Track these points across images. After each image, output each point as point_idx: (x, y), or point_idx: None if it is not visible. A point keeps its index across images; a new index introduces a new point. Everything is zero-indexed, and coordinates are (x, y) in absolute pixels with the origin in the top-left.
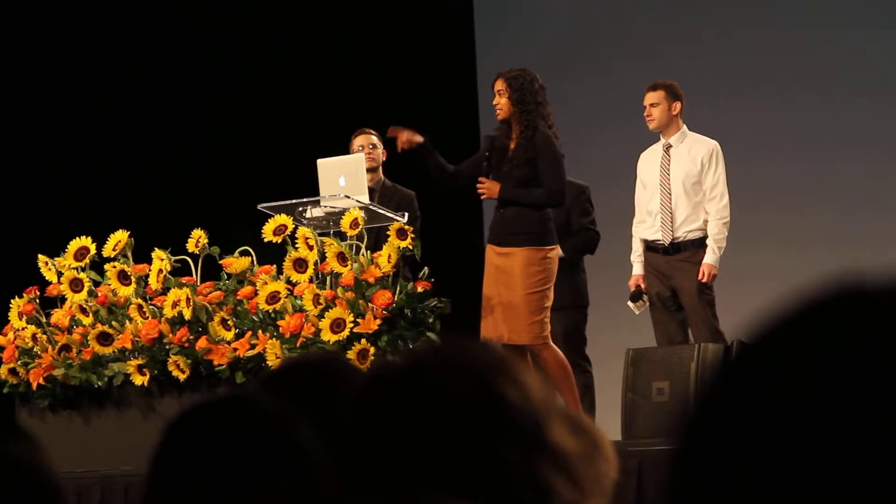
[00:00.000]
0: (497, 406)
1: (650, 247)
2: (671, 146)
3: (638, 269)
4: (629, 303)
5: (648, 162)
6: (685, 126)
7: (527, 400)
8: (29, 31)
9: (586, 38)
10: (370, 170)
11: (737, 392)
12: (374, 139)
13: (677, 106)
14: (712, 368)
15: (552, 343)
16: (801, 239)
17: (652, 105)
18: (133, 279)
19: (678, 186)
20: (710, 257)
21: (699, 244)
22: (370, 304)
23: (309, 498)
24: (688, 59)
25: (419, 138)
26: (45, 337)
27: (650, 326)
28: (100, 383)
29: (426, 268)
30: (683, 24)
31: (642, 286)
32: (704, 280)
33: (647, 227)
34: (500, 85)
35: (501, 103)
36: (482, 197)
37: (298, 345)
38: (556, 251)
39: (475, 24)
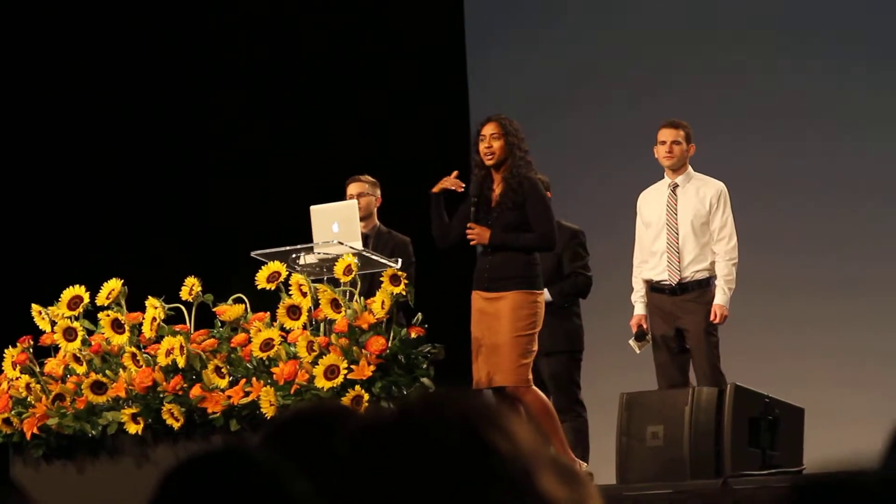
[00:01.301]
0: (487, 456)
1: (655, 287)
2: (678, 185)
3: (640, 308)
4: (632, 342)
5: (652, 201)
6: (691, 167)
7: (517, 449)
8: (8, 73)
9: (578, 79)
10: (364, 216)
11: None
12: (367, 186)
13: (692, 148)
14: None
15: (534, 387)
16: (801, 284)
17: (674, 143)
18: (127, 327)
19: (686, 226)
20: (720, 298)
21: (706, 284)
22: (364, 351)
23: None
24: (679, 99)
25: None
26: (38, 386)
27: (645, 370)
28: (94, 432)
29: (419, 314)
30: (677, 64)
31: (644, 326)
32: (717, 321)
33: (650, 267)
34: (493, 129)
35: (495, 147)
36: (472, 243)
37: (292, 392)
38: (544, 296)
39: (468, 73)
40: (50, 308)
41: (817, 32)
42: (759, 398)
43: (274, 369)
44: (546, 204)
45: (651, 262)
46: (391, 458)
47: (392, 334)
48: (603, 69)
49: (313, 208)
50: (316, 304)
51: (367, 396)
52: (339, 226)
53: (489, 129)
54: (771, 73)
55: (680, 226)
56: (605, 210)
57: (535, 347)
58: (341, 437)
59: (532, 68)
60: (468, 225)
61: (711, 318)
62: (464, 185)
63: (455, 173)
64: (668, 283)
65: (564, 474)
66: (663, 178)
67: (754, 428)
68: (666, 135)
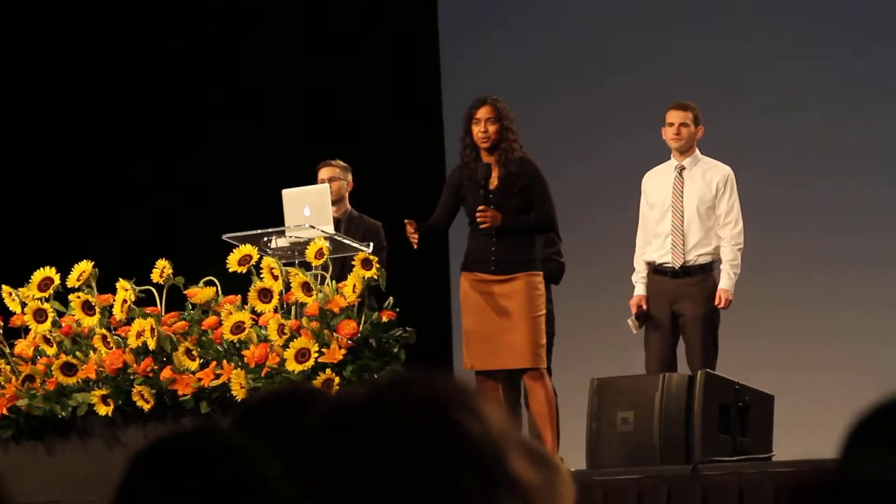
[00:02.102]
0: (457, 438)
1: (657, 269)
2: (684, 168)
3: (640, 289)
4: (630, 321)
5: (657, 183)
6: (698, 150)
7: (487, 431)
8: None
9: (555, 67)
10: (336, 201)
11: None
12: (338, 171)
13: (700, 130)
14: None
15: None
16: (801, 265)
17: (682, 125)
18: (97, 309)
19: (692, 210)
20: (725, 282)
21: (708, 269)
22: (335, 334)
23: None
24: (664, 79)
25: (414, 231)
26: (8, 367)
27: (617, 356)
28: (63, 414)
29: (391, 298)
30: (659, 44)
31: (643, 307)
32: (721, 305)
33: (654, 248)
34: (489, 112)
35: (491, 131)
36: (483, 226)
37: (263, 374)
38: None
39: (440, 54)
40: (20, 289)
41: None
42: (729, 385)
43: (245, 352)
44: (547, 186)
45: (655, 244)
46: (360, 440)
47: (363, 318)
48: (582, 55)
49: (285, 192)
50: (287, 287)
51: (337, 380)
52: (310, 210)
53: (484, 113)
54: (764, 56)
55: (685, 209)
56: (577, 198)
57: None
58: (311, 418)
59: (505, 48)
60: (480, 208)
61: (716, 302)
62: (415, 232)
63: (409, 228)
64: (670, 265)
65: (535, 458)
66: (670, 159)
67: (724, 414)
68: (674, 116)
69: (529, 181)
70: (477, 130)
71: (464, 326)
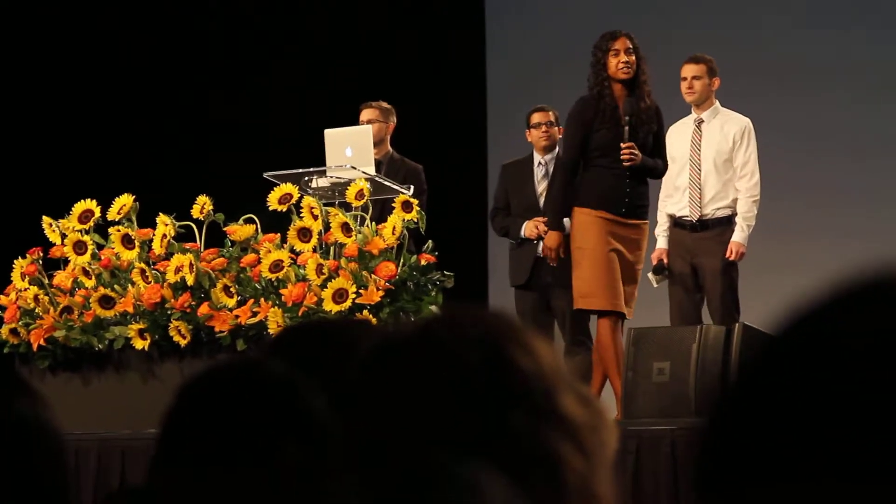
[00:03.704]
0: (508, 373)
1: (677, 223)
2: (703, 121)
3: (662, 242)
4: (650, 275)
5: (678, 136)
6: (718, 102)
7: (538, 368)
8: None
9: (600, 13)
10: (376, 142)
11: (779, 373)
12: (379, 113)
13: (716, 82)
14: (753, 348)
15: None
16: (831, 233)
17: (695, 78)
18: (137, 243)
19: (709, 163)
20: (738, 235)
21: (727, 222)
22: (373, 276)
23: (318, 463)
24: (706, 47)
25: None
26: (46, 298)
27: (654, 305)
28: (100, 346)
29: (430, 241)
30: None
31: (664, 260)
32: (732, 258)
33: (674, 202)
34: (626, 43)
35: (632, 61)
36: (626, 164)
37: (300, 314)
38: None
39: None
40: (61, 221)
41: None
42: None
43: (282, 291)
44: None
45: (675, 197)
46: (411, 372)
47: (402, 260)
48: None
49: (327, 132)
50: (327, 227)
51: (374, 321)
52: (352, 150)
53: (623, 44)
54: (805, 31)
55: (703, 161)
56: None
57: None
58: (361, 351)
59: (552, 7)
60: (627, 145)
61: (727, 254)
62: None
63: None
64: (689, 218)
65: (582, 399)
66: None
67: None
68: (687, 70)
69: (658, 124)
70: (616, 62)
71: (576, 263)
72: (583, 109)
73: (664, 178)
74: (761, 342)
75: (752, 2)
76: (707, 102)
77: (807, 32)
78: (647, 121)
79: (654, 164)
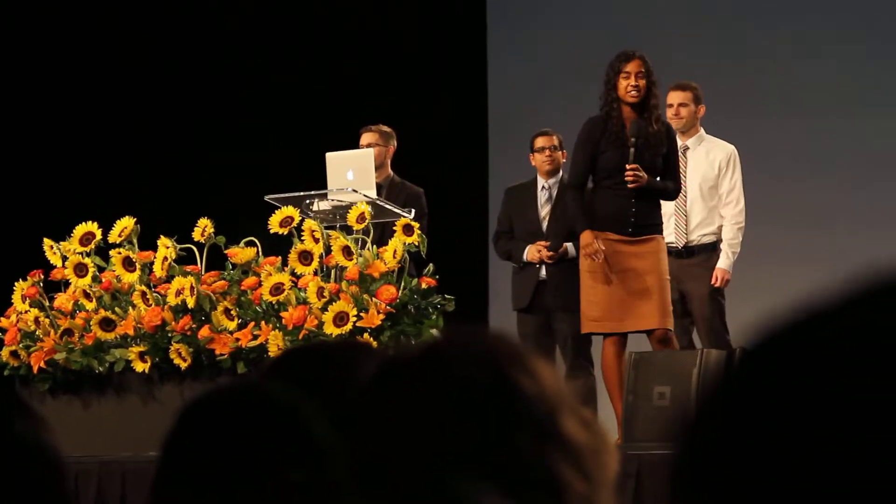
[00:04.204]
0: (512, 395)
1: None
2: (688, 148)
3: None
4: None
5: None
6: (703, 129)
7: (541, 390)
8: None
9: (600, 38)
10: (377, 166)
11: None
12: (379, 137)
13: (701, 109)
14: (716, 371)
15: None
16: (818, 256)
17: (681, 105)
18: (138, 266)
19: (695, 189)
20: (724, 262)
21: (712, 248)
22: (374, 299)
23: (320, 486)
24: (699, 66)
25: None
26: (47, 321)
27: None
28: (101, 369)
29: (431, 265)
30: (696, 32)
31: None
32: (718, 285)
33: None
34: (638, 66)
35: (641, 85)
36: (631, 185)
37: (301, 337)
38: None
39: (487, 19)
40: (62, 243)
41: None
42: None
43: (283, 314)
44: (679, 157)
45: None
46: (416, 394)
47: (403, 284)
48: (617, 37)
49: (329, 155)
50: (328, 250)
51: (375, 345)
52: (353, 174)
53: (634, 67)
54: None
55: (689, 188)
56: None
57: None
58: (365, 371)
59: (551, 17)
60: (630, 166)
61: (713, 281)
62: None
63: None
64: (674, 245)
65: (583, 420)
66: None
67: None
68: (673, 97)
69: (669, 146)
70: (626, 84)
71: (585, 286)
72: (591, 129)
73: None
74: (723, 365)
75: (737, 29)
76: (692, 129)
77: (793, 59)
78: (656, 143)
79: (664, 186)
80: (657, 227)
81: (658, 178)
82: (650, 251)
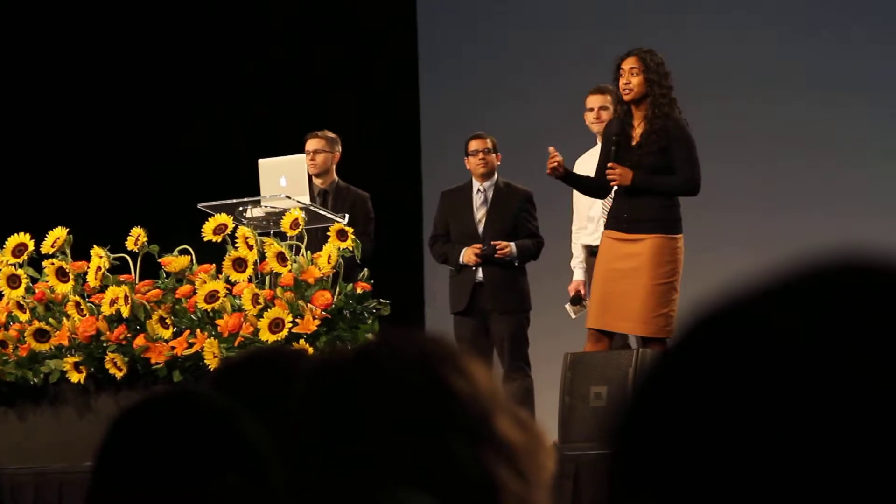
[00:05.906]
0: (445, 396)
1: (593, 252)
2: None
3: (579, 274)
4: (567, 306)
5: (584, 168)
6: None
7: (474, 391)
8: None
9: (531, 41)
10: (321, 172)
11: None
12: (324, 143)
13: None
14: (650, 365)
15: None
16: (762, 241)
17: (602, 108)
18: (71, 276)
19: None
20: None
21: None
22: (309, 305)
23: (256, 492)
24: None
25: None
26: None
27: (583, 331)
28: (36, 380)
29: (365, 269)
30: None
31: (582, 291)
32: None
33: (588, 233)
34: (633, 63)
35: (633, 83)
36: (612, 184)
37: (236, 344)
38: (683, 240)
39: (418, 23)
40: None
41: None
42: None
43: (218, 321)
44: (693, 147)
45: (589, 228)
46: (349, 397)
47: (338, 289)
48: (554, 33)
49: (261, 162)
50: (262, 257)
51: (311, 350)
52: (286, 180)
53: (628, 64)
54: (728, 36)
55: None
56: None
57: (677, 296)
58: (298, 376)
59: (485, 34)
60: (609, 165)
61: None
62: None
63: (552, 155)
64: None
65: (519, 422)
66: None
67: None
68: (593, 101)
69: (670, 141)
70: (621, 83)
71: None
72: (606, 130)
73: (575, 211)
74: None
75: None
76: None
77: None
78: (647, 143)
79: (664, 181)
80: (652, 224)
81: (661, 175)
82: (641, 252)
